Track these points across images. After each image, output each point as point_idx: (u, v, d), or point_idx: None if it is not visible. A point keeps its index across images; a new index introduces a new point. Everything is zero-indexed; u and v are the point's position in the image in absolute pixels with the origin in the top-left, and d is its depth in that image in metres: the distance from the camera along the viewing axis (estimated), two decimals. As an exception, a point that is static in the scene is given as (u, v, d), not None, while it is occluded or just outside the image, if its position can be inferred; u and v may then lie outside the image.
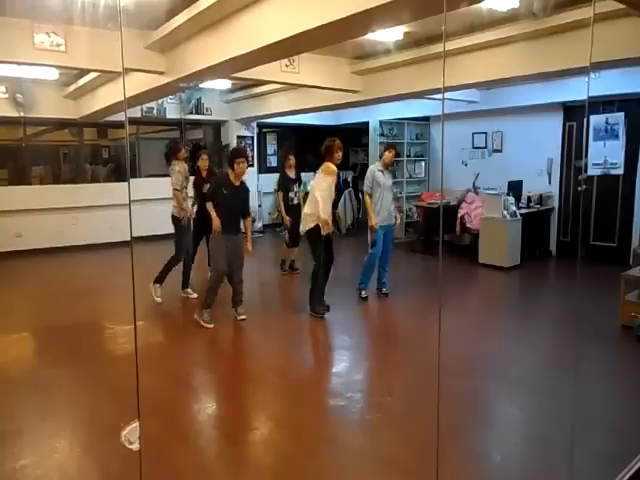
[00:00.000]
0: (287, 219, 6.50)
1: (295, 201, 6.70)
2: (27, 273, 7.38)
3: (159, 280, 5.43)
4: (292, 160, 6.75)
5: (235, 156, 4.84)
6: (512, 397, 3.57)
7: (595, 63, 4.35)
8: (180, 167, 5.48)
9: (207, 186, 5.81)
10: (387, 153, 5.63)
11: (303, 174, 7.35)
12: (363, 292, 5.68)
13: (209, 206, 4.80)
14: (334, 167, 4.98)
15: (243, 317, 4.96)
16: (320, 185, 4.96)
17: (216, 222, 4.73)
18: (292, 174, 6.74)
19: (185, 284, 5.79)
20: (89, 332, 4.87)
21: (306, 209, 5.04)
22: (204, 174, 5.98)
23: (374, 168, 5.63)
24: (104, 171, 10.00)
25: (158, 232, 7.66)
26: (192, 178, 5.90)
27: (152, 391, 3.42)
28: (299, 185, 6.87)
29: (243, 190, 4.95)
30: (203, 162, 6.01)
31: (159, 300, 5.41)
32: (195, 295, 5.71)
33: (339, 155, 4.98)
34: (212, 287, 4.83)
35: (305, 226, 5.01)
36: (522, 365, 4.05)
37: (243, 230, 4.98)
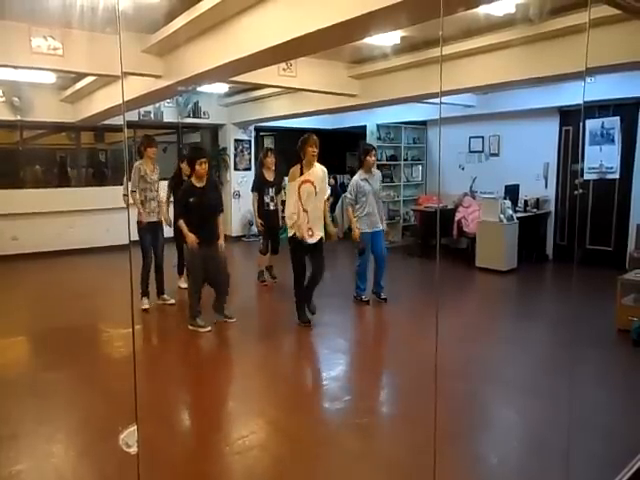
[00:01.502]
0: (259, 222, 6.20)
1: (271, 207, 6.28)
2: (23, 276, 7.35)
3: (144, 293, 5.35)
4: (270, 160, 6.27)
5: (196, 157, 4.65)
6: (509, 400, 3.57)
7: (591, 68, 4.37)
8: (140, 165, 5.24)
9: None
10: (368, 158, 5.45)
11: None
12: (363, 296, 5.63)
13: (180, 224, 4.59)
14: (293, 170, 4.73)
15: (233, 319, 4.90)
16: (287, 194, 4.80)
17: (190, 238, 4.54)
18: (269, 176, 6.28)
19: (160, 290, 5.62)
20: (86, 335, 4.85)
21: None
22: (184, 178, 5.74)
23: (357, 178, 5.47)
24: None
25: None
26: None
27: (149, 394, 3.42)
28: (277, 190, 6.42)
29: (211, 189, 4.76)
30: (185, 167, 5.73)
31: (147, 306, 5.33)
32: (172, 301, 5.59)
33: (313, 150, 4.68)
34: (192, 300, 4.74)
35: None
36: (519, 368, 4.06)
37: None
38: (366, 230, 5.47)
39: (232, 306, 5.08)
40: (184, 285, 6.14)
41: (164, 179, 5.91)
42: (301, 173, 4.70)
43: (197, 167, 4.59)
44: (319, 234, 4.73)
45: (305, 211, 4.64)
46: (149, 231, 5.28)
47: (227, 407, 3.58)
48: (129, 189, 5.21)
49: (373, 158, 5.51)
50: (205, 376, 4.12)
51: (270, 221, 6.28)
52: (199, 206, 4.57)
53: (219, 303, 4.91)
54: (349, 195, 5.51)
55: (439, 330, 4.02)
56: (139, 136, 10.04)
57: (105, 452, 2.74)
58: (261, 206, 6.22)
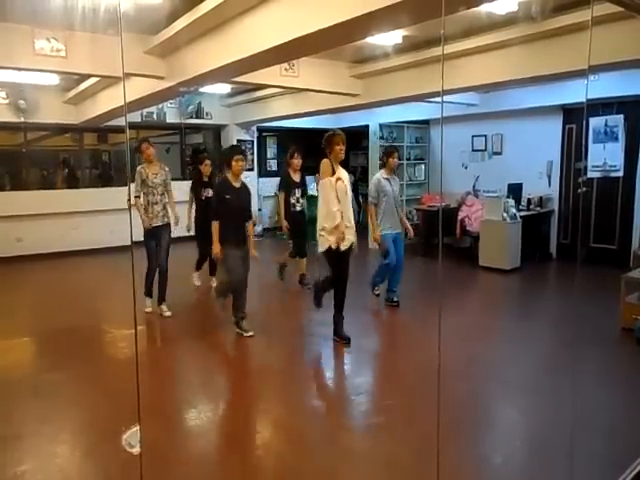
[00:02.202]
0: (285, 224, 6.01)
1: (298, 208, 6.09)
2: (28, 278, 7.38)
3: (147, 293, 5.28)
4: (296, 161, 6.08)
5: (233, 153, 4.54)
6: (512, 399, 3.56)
7: (594, 66, 4.36)
8: (141, 169, 5.08)
9: (208, 190, 5.74)
10: (391, 159, 5.33)
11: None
12: (376, 289, 5.69)
13: (214, 228, 4.43)
14: (326, 163, 4.31)
15: (251, 334, 4.56)
16: (320, 193, 4.37)
17: (216, 248, 4.40)
18: (296, 177, 6.13)
19: (161, 298, 5.28)
20: (90, 336, 4.87)
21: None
22: (205, 179, 5.95)
23: (379, 176, 5.36)
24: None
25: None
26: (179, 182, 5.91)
27: (153, 394, 3.42)
28: (303, 191, 6.23)
29: (245, 192, 4.63)
30: (206, 168, 5.93)
31: (149, 309, 5.26)
32: (169, 313, 5.21)
33: (341, 148, 4.28)
34: (236, 302, 4.61)
35: (319, 246, 4.40)
36: (522, 367, 4.05)
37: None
38: (388, 231, 5.35)
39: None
40: (198, 283, 6.28)
41: (175, 179, 5.93)
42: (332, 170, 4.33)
43: (233, 164, 4.45)
44: (350, 239, 4.35)
45: (341, 212, 4.26)
46: (153, 236, 5.12)
47: (229, 406, 3.58)
48: (132, 194, 5.11)
49: (396, 160, 5.41)
50: (207, 374, 4.13)
51: (297, 223, 6.11)
52: (233, 205, 4.43)
53: (239, 312, 4.63)
54: (371, 194, 5.36)
55: (442, 330, 4.01)
56: (142, 137, 10.13)
57: (109, 452, 2.75)
58: (287, 207, 6.07)
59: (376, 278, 5.70)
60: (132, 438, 1.48)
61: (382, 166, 5.52)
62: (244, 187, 4.65)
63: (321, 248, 4.34)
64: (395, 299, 5.61)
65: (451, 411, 3.16)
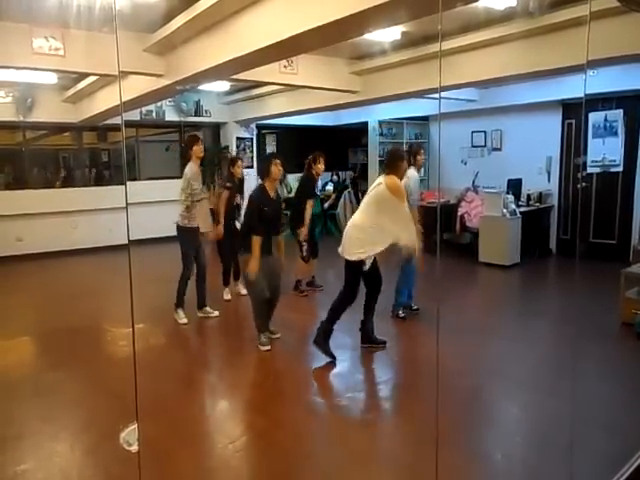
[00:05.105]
0: (305, 233, 5.56)
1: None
2: (28, 277, 7.39)
3: (179, 304, 5.00)
4: (320, 167, 5.65)
5: (272, 157, 4.16)
6: (512, 396, 3.57)
7: (592, 60, 4.35)
8: (188, 169, 4.75)
9: (237, 196, 5.45)
10: (419, 157, 5.00)
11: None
12: (400, 311, 5.12)
13: (255, 243, 3.96)
14: (398, 183, 3.95)
15: (277, 335, 4.45)
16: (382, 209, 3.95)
17: (253, 266, 3.96)
18: (316, 181, 5.87)
19: (201, 304, 5.14)
20: (90, 335, 4.87)
21: (356, 232, 3.98)
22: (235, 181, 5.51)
23: (416, 175, 4.98)
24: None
25: (157, 235, 7.69)
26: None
27: (152, 392, 3.43)
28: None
29: (279, 202, 4.28)
30: (238, 170, 5.50)
31: (185, 321, 4.97)
32: (216, 313, 5.11)
33: (405, 166, 4.13)
34: (258, 313, 4.28)
35: (347, 252, 3.96)
36: (522, 363, 4.05)
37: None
38: None
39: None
40: (228, 297, 5.77)
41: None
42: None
43: (273, 168, 4.06)
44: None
45: None
46: (194, 238, 4.86)
47: (230, 404, 3.59)
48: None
49: (423, 157, 5.15)
50: (208, 372, 4.14)
51: (313, 227, 5.89)
52: (269, 218, 4.06)
53: (269, 318, 4.45)
54: (412, 195, 4.79)
55: (441, 326, 4.02)
56: (141, 135, 10.12)
57: (109, 451, 2.75)
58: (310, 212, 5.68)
59: (402, 291, 5.12)
60: (130, 436, 1.48)
61: (410, 164, 4.89)
62: (278, 196, 4.32)
63: (352, 257, 3.97)
64: (415, 306, 5.22)
65: (450, 407, 3.16)
